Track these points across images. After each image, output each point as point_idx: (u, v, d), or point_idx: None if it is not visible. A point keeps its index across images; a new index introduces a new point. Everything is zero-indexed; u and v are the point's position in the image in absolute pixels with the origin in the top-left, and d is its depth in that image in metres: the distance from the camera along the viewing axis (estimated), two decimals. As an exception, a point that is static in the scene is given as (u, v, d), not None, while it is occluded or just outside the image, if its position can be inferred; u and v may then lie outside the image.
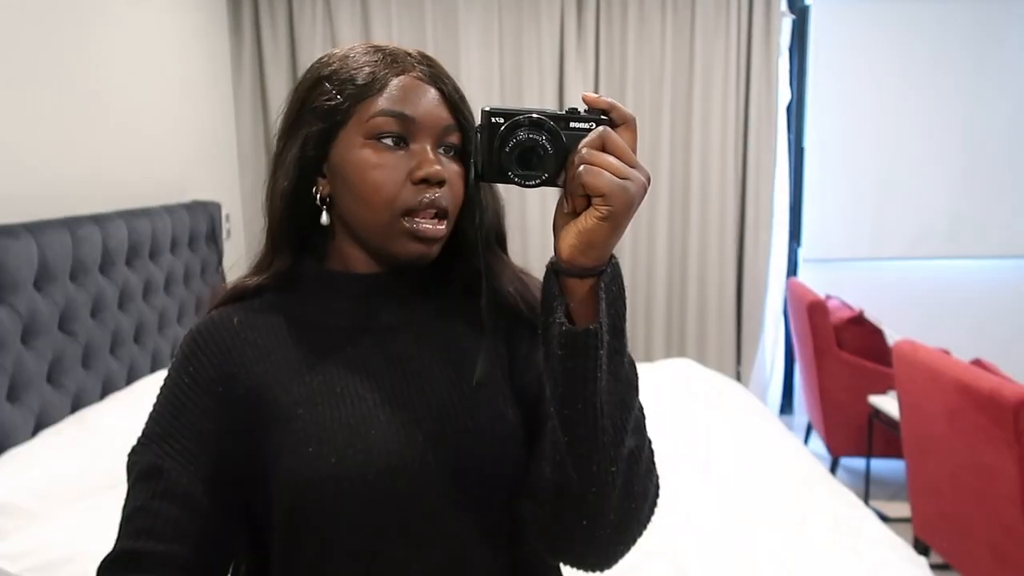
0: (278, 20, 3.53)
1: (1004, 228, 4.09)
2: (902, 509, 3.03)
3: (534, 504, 0.76)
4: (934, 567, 2.67)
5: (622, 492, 0.71)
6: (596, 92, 3.44)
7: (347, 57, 0.79)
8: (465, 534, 0.78)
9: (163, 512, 0.74)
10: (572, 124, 0.68)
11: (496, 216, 0.84)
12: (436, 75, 0.79)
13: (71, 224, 1.98)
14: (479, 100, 0.84)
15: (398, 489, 0.75)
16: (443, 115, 0.77)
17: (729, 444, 2.26)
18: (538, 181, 0.68)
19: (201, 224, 2.79)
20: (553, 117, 0.68)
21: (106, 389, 2.10)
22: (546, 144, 0.67)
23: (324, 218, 0.80)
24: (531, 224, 3.74)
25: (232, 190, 3.48)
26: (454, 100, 0.78)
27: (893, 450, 2.87)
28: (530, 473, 0.78)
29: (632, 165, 0.65)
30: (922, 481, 2.51)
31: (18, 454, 1.61)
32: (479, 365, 0.79)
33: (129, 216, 2.27)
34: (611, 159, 0.64)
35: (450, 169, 0.77)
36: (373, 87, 0.76)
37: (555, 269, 0.68)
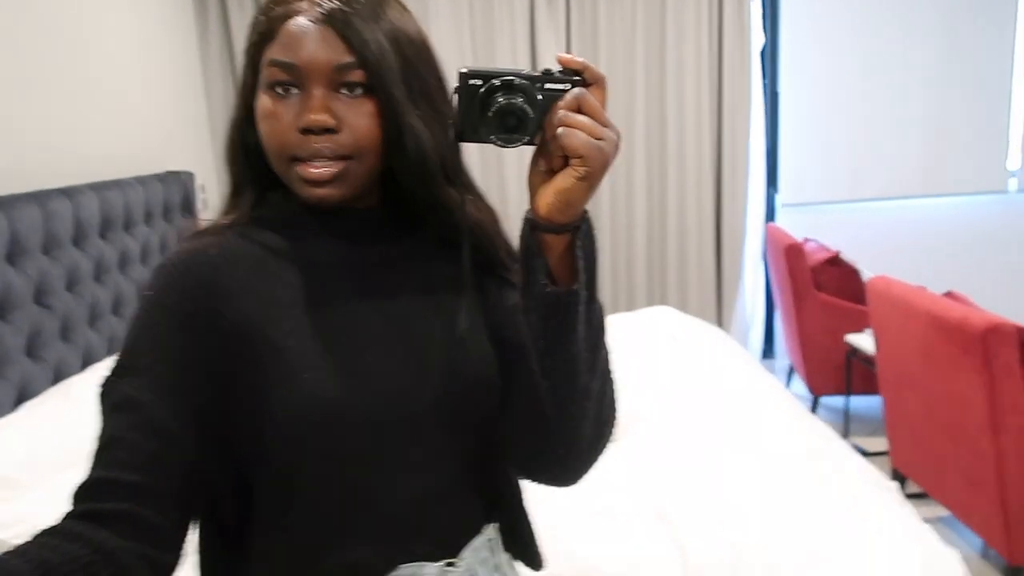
0: (242, -17, 3.47)
1: (977, 165, 4.13)
2: (881, 444, 3.10)
3: (513, 433, 0.83)
4: (911, 497, 2.75)
5: (594, 421, 0.79)
6: (568, 47, 3.42)
7: (264, 1, 0.78)
8: (453, 459, 0.82)
9: (141, 445, 0.71)
10: (547, 85, 0.71)
11: (434, 148, 0.77)
12: (330, 13, 0.73)
13: (41, 198, 1.97)
14: (451, 62, 0.83)
15: (393, 416, 0.77)
16: (333, 57, 0.73)
17: (710, 387, 2.30)
18: (518, 143, 0.71)
19: (175, 195, 2.77)
20: (529, 79, 0.70)
21: (87, 361, 2.11)
22: (525, 107, 0.69)
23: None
24: (509, 175, 3.74)
25: (205, 160, 3.45)
26: (350, 35, 0.73)
27: (871, 387, 2.93)
28: (509, 407, 0.82)
29: (605, 125, 0.69)
30: (898, 415, 2.57)
31: (2, 426, 1.62)
32: (460, 317, 0.81)
33: (101, 188, 2.26)
34: (586, 120, 0.68)
35: (351, 110, 0.74)
36: (271, 33, 0.75)
37: (533, 225, 0.71)
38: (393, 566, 0.78)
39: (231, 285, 0.77)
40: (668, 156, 3.81)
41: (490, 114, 0.70)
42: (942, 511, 2.58)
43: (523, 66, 3.61)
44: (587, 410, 0.78)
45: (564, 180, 0.69)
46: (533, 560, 0.92)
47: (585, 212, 0.72)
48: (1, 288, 1.78)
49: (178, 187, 2.80)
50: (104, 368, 2.04)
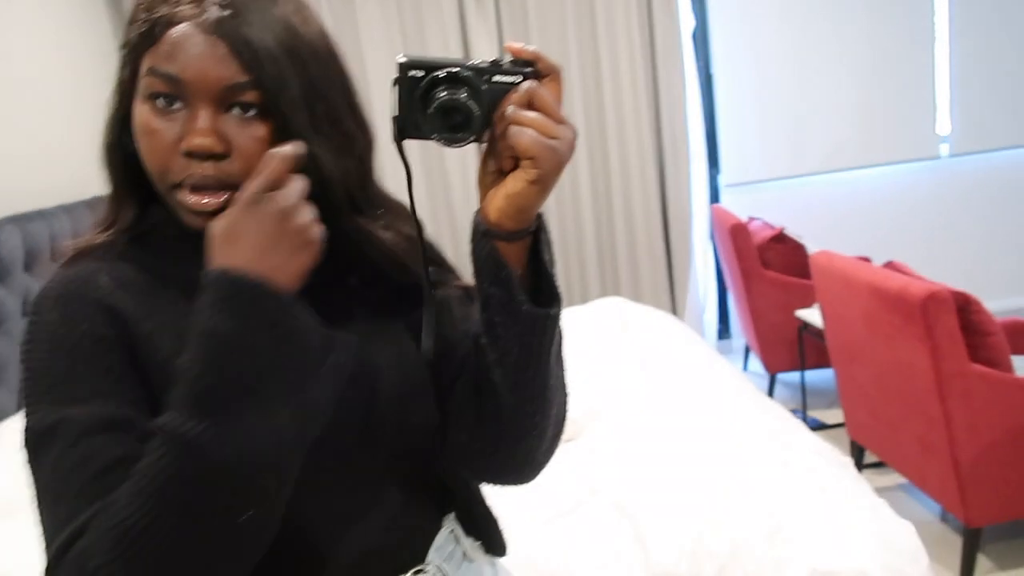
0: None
1: (908, 133, 4.21)
2: (838, 415, 3.15)
3: (456, 435, 0.79)
4: (869, 466, 2.81)
5: (554, 423, 0.77)
6: (499, 33, 3.30)
7: None
8: (391, 476, 0.78)
9: (138, 456, 0.61)
10: (496, 77, 0.65)
11: (340, 179, 0.70)
12: (229, 21, 0.65)
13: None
14: (382, 62, 0.76)
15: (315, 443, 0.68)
16: (225, 75, 0.65)
17: (664, 377, 2.30)
18: (464, 143, 0.65)
19: (105, 221, 2.68)
20: (476, 70, 0.64)
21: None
22: (470, 104, 0.63)
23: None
24: (452, 172, 3.71)
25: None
26: (246, 53, 0.65)
27: (825, 360, 2.97)
28: (455, 413, 0.79)
29: (560, 122, 0.63)
30: (850, 386, 2.60)
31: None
32: (424, 338, 0.77)
33: (23, 220, 2.17)
34: (539, 118, 0.62)
35: (242, 134, 0.66)
36: (148, 38, 0.66)
37: (485, 232, 0.66)
38: None
39: (128, 311, 0.69)
40: (609, 145, 3.81)
41: (431, 110, 0.64)
42: (901, 479, 2.62)
43: (456, 55, 3.59)
44: (550, 417, 0.76)
45: (515, 183, 0.64)
46: (495, 545, 0.89)
47: (539, 216, 0.67)
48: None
49: (108, 213, 2.71)
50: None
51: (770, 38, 4.08)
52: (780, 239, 3.48)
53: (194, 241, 0.67)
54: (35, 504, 0.64)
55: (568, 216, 3.87)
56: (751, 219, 3.72)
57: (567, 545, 1.56)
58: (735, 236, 3.37)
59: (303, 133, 0.66)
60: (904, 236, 4.26)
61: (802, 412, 3.31)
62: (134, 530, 0.57)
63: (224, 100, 0.66)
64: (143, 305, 0.70)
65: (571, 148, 0.64)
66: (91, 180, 2.79)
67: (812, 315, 3.07)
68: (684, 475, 1.74)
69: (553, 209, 3.83)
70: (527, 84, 0.64)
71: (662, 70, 3.76)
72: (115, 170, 0.73)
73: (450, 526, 0.84)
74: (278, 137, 0.66)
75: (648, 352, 2.47)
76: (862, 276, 2.27)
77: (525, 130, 0.62)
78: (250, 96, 0.66)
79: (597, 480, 1.75)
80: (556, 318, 0.70)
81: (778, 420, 2.00)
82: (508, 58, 0.66)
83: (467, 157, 3.64)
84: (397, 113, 0.66)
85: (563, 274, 3.93)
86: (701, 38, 4.00)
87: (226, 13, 0.65)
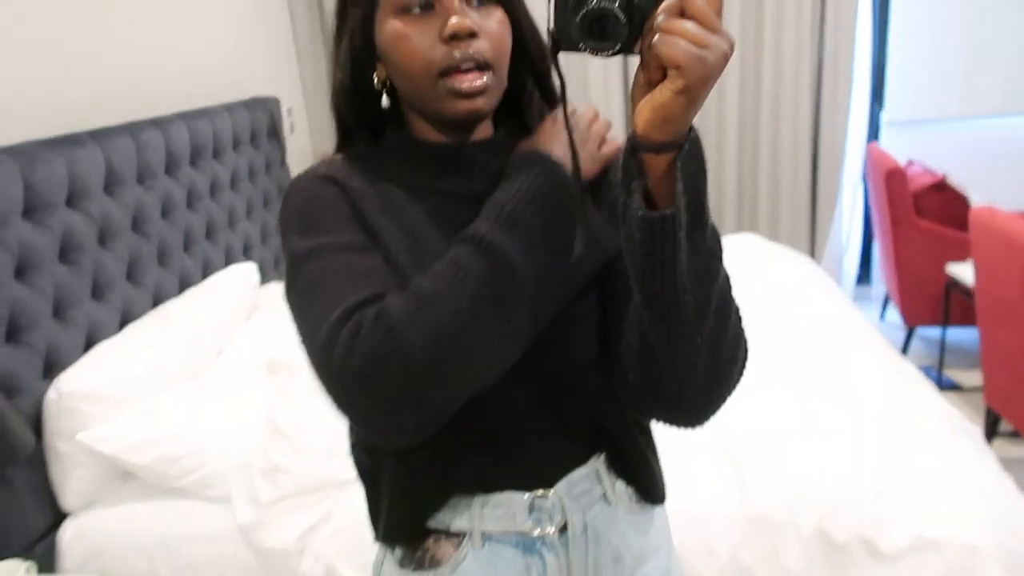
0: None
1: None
2: (976, 378, 2.97)
3: (624, 370, 0.79)
4: (1004, 435, 2.65)
5: (709, 359, 0.72)
6: None
7: None
8: (548, 390, 0.82)
9: (384, 272, 0.76)
10: None
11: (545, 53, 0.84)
12: None
13: (133, 130, 2.06)
14: None
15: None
16: None
17: (788, 319, 2.24)
18: (611, 52, 0.65)
19: (261, 120, 2.84)
20: None
21: (183, 284, 2.24)
22: (618, 12, 0.63)
23: (385, 100, 0.83)
24: (594, 97, 3.64)
25: (293, 84, 3.51)
26: None
27: (969, 319, 2.78)
28: (619, 342, 0.80)
29: (715, 31, 0.60)
30: (995, 350, 2.44)
31: (105, 348, 1.76)
32: (576, 242, 0.78)
33: (189, 117, 2.34)
34: (689, 26, 0.60)
35: (486, 18, 0.77)
36: None
37: (632, 145, 0.66)
38: (491, 487, 0.82)
39: (357, 196, 0.81)
40: (763, 68, 3.59)
41: (578, 20, 0.64)
42: (1037, 452, 2.47)
43: None
44: (699, 347, 0.71)
45: (661, 94, 0.61)
46: (649, 492, 0.90)
47: (692, 130, 0.65)
48: (101, 218, 1.89)
49: (264, 113, 2.87)
50: (199, 290, 2.11)
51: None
52: (940, 187, 3.22)
53: (425, 153, 0.84)
54: (297, 310, 0.75)
55: (709, 140, 3.72)
56: (910, 163, 3.46)
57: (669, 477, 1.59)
58: (890, 182, 3.16)
59: (522, 18, 0.81)
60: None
61: (937, 371, 3.13)
62: (437, 299, 0.69)
63: None
64: (370, 195, 0.81)
65: (723, 59, 0.61)
66: (250, 81, 2.96)
67: (963, 271, 2.87)
68: (794, 422, 1.72)
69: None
70: None
71: (832, -9, 3.47)
72: (350, 109, 0.85)
73: (594, 465, 0.86)
74: (510, 19, 0.80)
75: (778, 296, 2.40)
76: (1025, 236, 2.09)
77: (672, 38, 0.60)
78: None
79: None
80: (672, 223, 0.65)
81: (906, 378, 1.92)
82: None
83: (610, 85, 3.56)
84: (552, 27, 0.67)
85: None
86: (881, -40, 3.66)
87: None
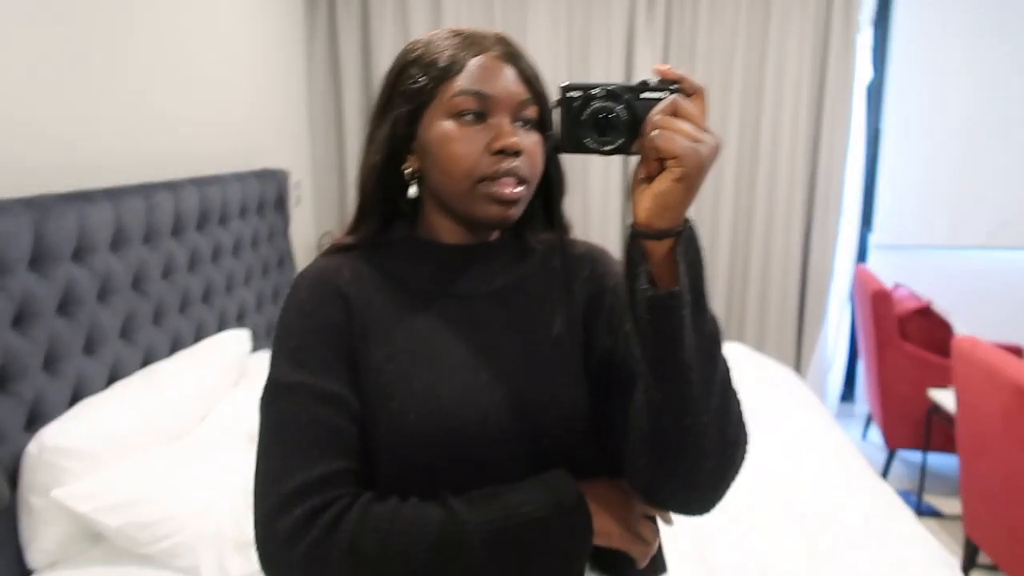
0: (352, -9, 3.60)
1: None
2: (957, 506, 2.96)
3: (634, 457, 0.81)
4: (982, 567, 2.63)
5: (717, 438, 0.76)
6: (665, 63, 3.34)
7: (430, 43, 0.87)
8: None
9: (351, 433, 0.82)
10: (644, 94, 0.73)
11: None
12: (512, 54, 0.85)
13: (146, 191, 2.11)
14: (547, 81, 0.90)
15: (467, 446, 0.82)
16: (519, 91, 0.84)
17: (769, 433, 2.26)
18: (613, 147, 0.73)
19: (270, 191, 2.91)
20: (626, 88, 0.73)
21: (175, 346, 2.24)
22: (620, 112, 0.72)
23: (412, 191, 0.89)
24: (593, 191, 3.75)
25: (303, 158, 3.60)
26: (529, 76, 0.85)
27: (950, 445, 2.80)
28: (626, 428, 0.82)
29: (704, 130, 0.69)
30: (975, 481, 2.45)
31: (91, 403, 1.75)
32: (556, 323, 0.87)
33: (201, 183, 2.40)
34: (683, 124, 0.69)
35: (528, 139, 0.84)
36: (453, 68, 0.83)
37: (634, 233, 0.72)
38: None
39: (356, 302, 0.86)
40: (758, 187, 3.74)
41: (584, 118, 0.73)
42: (1014, 588, 2.44)
43: (618, 79, 3.63)
44: (706, 426, 0.74)
45: (661, 183, 0.69)
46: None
47: (687, 220, 0.72)
48: (104, 274, 1.91)
49: (273, 184, 2.94)
50: (190, 352, 2.11)
51: (950, 99, 3.86)
52: (925, 312, 3.30)
53: (421, 254, 0.90)
54: (261, 436, 0.83)
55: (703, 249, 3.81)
56: (897, 286, 3.54)
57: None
58: (876, 303, 3.23)
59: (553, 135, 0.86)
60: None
61: (917, 496, 3.13)
62: (390, 548, 0.76)
63: (515, 113, 0.84)
64: (366, 296, 0.87)
65: (714, 152, 0.69)
66: (263, 152, 3.04)
67: (945, 397, 2.91)
68: (770, 540, 1.72)
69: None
70: (673, 96, 0.71)
71: (827, 119, 3.65)
72: (375, 190, 0.90)
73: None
74: (544, 143, 0.86)
75: (759, 409, 2.42)
76: (1008, 371, 2.14)
77: (669, 133, 0.68)
78: (531, 111, 0.85)
79: (680, 528, 1.75)
80: (678, 300, 0.70)
81: (885, 502, 1.93)
82: (657, 80, 0.73)
83: (610, 183, 3.68)
84: (556, 131, 0.76)
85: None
86: (876, 90, 3.84)
87: (508, 48, 0.86)
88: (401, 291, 0.88)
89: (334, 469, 0.79)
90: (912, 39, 3.82)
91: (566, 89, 0.74)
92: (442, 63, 0.84)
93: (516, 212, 0.85)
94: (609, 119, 0.72)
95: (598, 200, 3.73)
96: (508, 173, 0.82)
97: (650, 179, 0.70)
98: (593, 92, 0.73)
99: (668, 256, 0.72)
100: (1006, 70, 3.80)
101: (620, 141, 0.73)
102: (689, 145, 0.68)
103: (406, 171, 0.88)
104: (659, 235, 0.71)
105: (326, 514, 0.76)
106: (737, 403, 0.79)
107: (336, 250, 0.92)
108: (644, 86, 0.73)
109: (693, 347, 0.72)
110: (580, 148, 0.74)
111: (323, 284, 0.86)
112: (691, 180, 0.68)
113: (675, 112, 0.69)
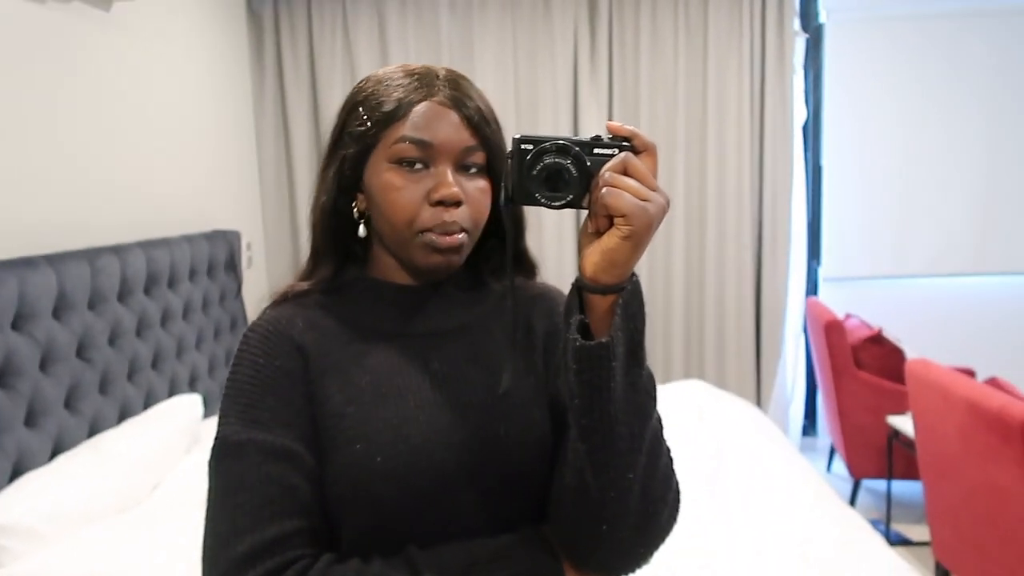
0: (299, 49, 3.62)
1: (1028, 243, 4.03)
2: (925, 532, 2.97)
3: (556, 510, 0.81)
4: (954, 592, 2.62)
5: (640, 496, 0.75)
6: (610, 113, 3.48)
7: (380, 82, 0.85)
8: (495, 531, 0.82)
9: (306, 490, 0.78)
10: (596, 150, 0.73)
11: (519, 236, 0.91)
12: (459, 98, 0.83)
13: (91, 255, 2.06)
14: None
15: (438, 484, 0.80)
16: (463, 138, 0.82)
17: (737, 467, 2.25)
18: (563, 203, 0.73)
19: (220, 252, 2.86)
20: (578, 144, 0.73)
21: (123, 414, 2.17)
22: (571, 168, 0.72)
23: (362, 230, 0.88)
24: (548, 241, 3.77)
25: (254, 219, 3.57)
26: (475, 122, 0.83)
27: (914, 472, 2.82)
28: (552, 480, 0.82)
29: (652, 189, 0.69)
30: (939, 504, 2.47)
31: (33, 478, 1.67)
32: (504, 377, 0.84)
33: (148, 246, 2.35)
34: (632, 182, 0.69)
35: (471, 187, 0.83)
36: (397, 114, 0.81)
37: (579, 286, 0.72)
38: None
39: (311, 349, 0.84)
40: (708, 228, 3.81)
41: (535, 173, 0.73)
42: (987, 610, 2.44)
43: (566, 122, 3.71)
44: (630, 482, 0.74)
45: (609, 240, 0.69)
46: None
47: (633, 275, 0.72)
48: (46, 342, 1.85)
49: (224, 245, 2.90)
50: (139, 420, 2.03)
51: (884, 134, 4.01)
52: (877, 340, 3.36)
53: (376, 295, 0.88)
54: (210, 498, 0.79)
55: (658, 293, 3.87)
56: (848, 316, 3.61)
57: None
58: (829, 333, 3.29)
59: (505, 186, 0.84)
60: (1013, 352, 4.03)
61: (885, 524, 3.14)
62: None
63: (459, 160, 0.82)
64: (323, 343, 0.85)
65: (662, 211, 0.69)
66: (213, 214, 3.00)
67: (904, 423, 2.94)
68: (742, 574, 1.69)
69: (644, 283, 3.81)
70: (623, 154, 0.71)
71: (769, 158, 3.75)
72: (326, 230, 0.88)
73: None
74: (493, 190, 0.84)
75: (725, 443, 2.42)
76: (960, 390, 2.18)
77: (618, 191, 0.68)
78: (477, 157, 0.83)
79: (656, 561, 1.72)
80: (606, 351, 0.69)
81: (854, 529, 1.92)
82: (609, 136, 0.74)
83: (564, 236, 3.72)
84: (508, 182, 0.76)
85: (648, 350, 3.89)
86: (813, 129, 3.98)
87: (455, 92, 0.83)
88: (359, 334, 0.87)
89: (288, 530, 0.76)
90: (840, 80, 3.98)
91: (519, 141, 0.74)
92: (387, 107, 0.82)
93: (458, 259, 0.84)
94: (560, 174, 0.72)
95: (553, 243, 3.76)
96: (448, 223, 0.81)
97: (599, 233, 0.71)
98: (545, 146, 0.73)
99: (610, 309, 0.71)
100: (933, 105, 3.97)
101: (570, 197, 0.73)
102: (637, 204, 0.67)
103: (355, 211, 0.87)
104: (604, 290, 0.71)
105: None
106: (667, 461, 0.79)
107: (285, 299, 0.90)
108: (597, 141, 0.73)
109: (623, 400, 0.72)
110: (531, 201, 0.74)
111: (276, 336, 0.84)
112: (639, 238, 0.68)
113: (625, 170, 0.69)
